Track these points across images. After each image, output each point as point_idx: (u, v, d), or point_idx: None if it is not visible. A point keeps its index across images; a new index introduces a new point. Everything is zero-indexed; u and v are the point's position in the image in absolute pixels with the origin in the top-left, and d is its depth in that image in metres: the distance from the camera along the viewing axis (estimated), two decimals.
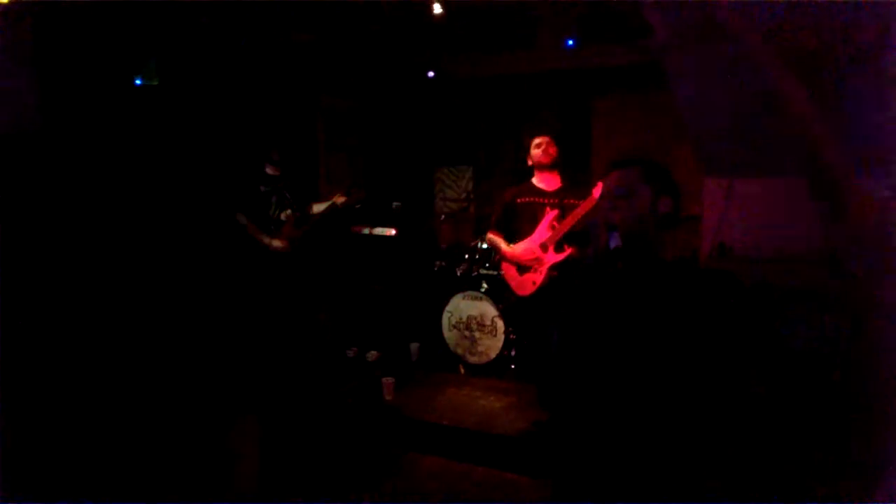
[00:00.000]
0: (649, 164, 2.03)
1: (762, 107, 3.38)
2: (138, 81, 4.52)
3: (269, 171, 5.09)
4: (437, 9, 4.76)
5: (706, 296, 1.99)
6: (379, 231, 6.42)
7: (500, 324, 5.61)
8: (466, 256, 6.04)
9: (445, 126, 8.01)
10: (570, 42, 4.47)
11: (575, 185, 4.42)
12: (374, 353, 6.12)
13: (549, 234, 4.19)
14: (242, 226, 4.97)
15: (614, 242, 1.92)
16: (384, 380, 5.12)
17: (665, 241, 2.01)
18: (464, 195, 7.56)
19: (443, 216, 6.53)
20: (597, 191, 3.95)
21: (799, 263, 3.52)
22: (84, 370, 4.39)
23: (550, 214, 4.22)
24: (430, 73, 7.69)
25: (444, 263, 6.19)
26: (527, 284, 4.29)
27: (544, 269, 4.18)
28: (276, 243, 5.01)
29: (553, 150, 4.36)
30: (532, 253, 4.24)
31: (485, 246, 5.98)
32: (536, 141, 4.43)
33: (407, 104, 7.62)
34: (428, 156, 7.93)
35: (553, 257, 4.18)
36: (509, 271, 4.47)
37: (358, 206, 5.37)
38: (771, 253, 3.63)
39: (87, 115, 4.36)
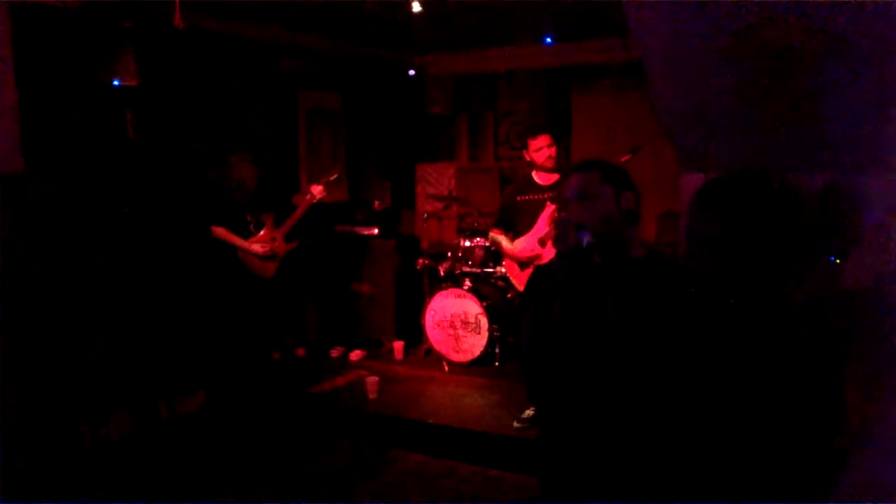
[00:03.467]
0: (605, 165, 2.08)
1: (737, 101, 3.41)
2: (116, 83, 4.48)
3: (246, 175, 5.05)
4: (416, 7, 4.75)
5: (673, 289, 2.01)
6: (362, 230, 6.42)
7: (483, 321, 5.62)
8: (449, 255, 6.04)
9: (426, 123, 8.01)
10: (549, 40, 4.48)
11: (569, 165, 4.47)
12: (357, 351, 6.12)
13: (548, 229, 4.23)
14: (221, 237, 4.94)
15: (586, 239, 1.97)
16: (368, 379, 5.13)
17: (633, 236, 2.06)
18: (446, 192, 7.56)
19: (426, 215, 6.53)
20: None
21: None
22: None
23: (549, 208, 4.24)
24: (411, 72, 7.70)
25: (427, 262, 6.19)
26: (526, 280, 4.32)
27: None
28: (256, 247, 4.99)
29: (554, 151, 4.37)
30: (531, 250, 4.32)
31: (468, 244, 5.99)
32: (536, 144, 4.37)
33: (388, 101, 7.61)
34: (409, 153, 7.93)
35: (552, 252, 4.19)
36: (511, 268, 4.55)
37: (333, 179, 5.31)
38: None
39: (68, 128, 4.34)
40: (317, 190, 5.18)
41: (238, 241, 4.99)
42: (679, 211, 5.11)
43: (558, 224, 2.08)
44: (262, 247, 5.01)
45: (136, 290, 4.82)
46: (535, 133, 4.42)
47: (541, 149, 4.36)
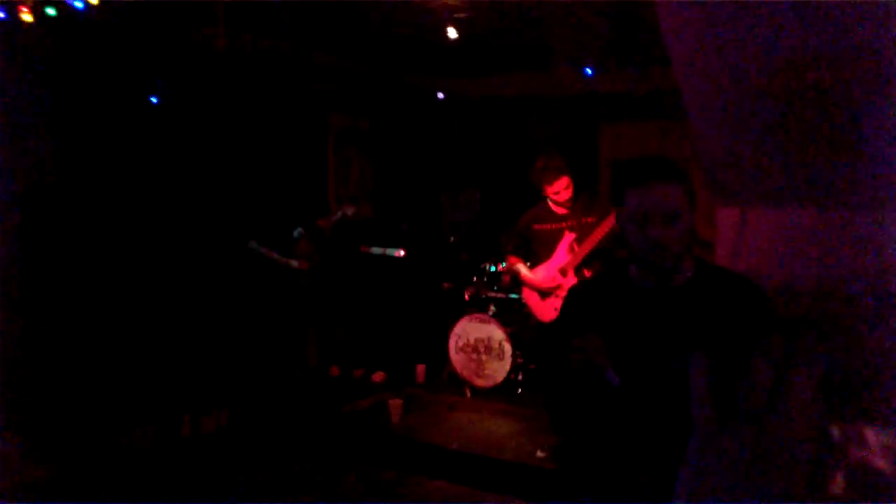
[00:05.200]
0: (685, 175, 1.90)
1: (774, 138, 3.40)
2: (154, 100, 4.55)
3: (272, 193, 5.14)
4: (452, 33, 4.79)
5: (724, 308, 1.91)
6: (388, 251, 6.44)
7: (507, 347, 5.60)
8: (475, 279, 6.04)
9: (454, 147, 8.04)
10: (589, 71, 4.48)
11: (589, 201, 4.39)
12: (380, 373, 6.12)
13: (569, 257, 4.19)
14: (256, 250, 5.01)
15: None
16: (391, 402, 5.11)
17: (685, 265, 1.94)
18: (471, 217, 7.57)
19: (452, 238, 6.54)
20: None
21: (806, 297, 3.52)
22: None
23: (569, 238, 4.21)
24: (440, 95, 7.74)
25: (452, 285, 6.18)
26: (549, 310, 4.29)
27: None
28: (295, 263, 5.05)
29: (570, 193, 4.27)
30: (553, 280, 4.24)
31: (493, 269, 5.98)
32: (554, 189, 4.26)
33: (416, 124, 7.66)
34: (436, 177, 7.96)
35: (574, 282, 4.16)
36: (531, 297, 4.47)
37: (365, 220, 5.41)
38: (780, 285, 3.64)
39: (104, 144, 4.42)
40: (350, 211, 5.27)
41: (275, 255, 5.05)
42: (709, 240, 5.09)
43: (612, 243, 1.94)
44: (300, 262, 5.08)
45: (166, 303, 4.87)
46: (553, 178, 4.26)
47: (559, 192, 4.25)
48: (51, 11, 3.50)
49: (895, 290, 3.08)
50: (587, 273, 4.14)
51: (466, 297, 6.00)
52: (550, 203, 4.41)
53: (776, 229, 3.91)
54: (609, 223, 4.02)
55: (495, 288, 5.96)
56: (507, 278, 5.89)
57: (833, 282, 3.60)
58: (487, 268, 6.06)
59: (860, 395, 2.81)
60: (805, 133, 3.24)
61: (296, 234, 5.19)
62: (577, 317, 2.08)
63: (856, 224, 3.35)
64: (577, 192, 4.37)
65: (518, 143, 7.75)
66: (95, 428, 4.36)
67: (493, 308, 5.84)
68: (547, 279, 4.29)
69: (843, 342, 3.27)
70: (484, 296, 5.95)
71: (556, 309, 4.23)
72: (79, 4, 3.40)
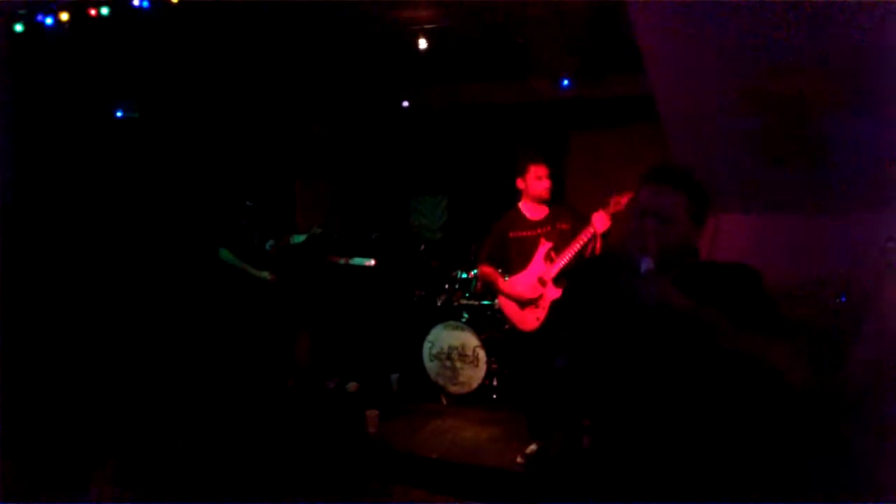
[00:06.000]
0: (693, 186, 1.94)
1: (749, 146, 3.50)
2: (119, 114, 4.47)
3: (248, 203, 5.10)
4: (423, 44, 4.81)
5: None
6: (358, 261, 6.41)
7: (481, 354, 5.63)
8: (447, 286, 6.05)
9: (420, 155, 8.04)
10: (566, 82, 4.52)
11: (561, 208, 4.39)
12: (353, 384, 6.08)
13: (546, 267, 4.19)
14: (229, 259, 4.96)
15: (646, 266, 1.84)
16: (367, 412, 5.09)
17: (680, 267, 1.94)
18: (438, 224, 7.59)
19: (423, 246, 6.54)
20: (597, 219, 3.99)
21: (784, 298, 3.61)
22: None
23: (545, 246, 4.22)
24: (405, 103, 7.74)
25: (423, 293, 6.19)
26: (529, 320, 4.27)
27: (547, 304, 4.19)
28: (266, 274, 5.00)
29: (549, 184, 4.27)
30: (533, 291, 4.20)
31: (464, 276, 6.01)
32: (538, 171, 4.25)
33: (382, 133, 7.65)
34: (403, 185, 7.95)
35: (554, 292, 4.16)
36: (509, 306, 4.40)
37: (335, 236, 5.40)
38: None
39: (67, 160, 4.34)
40: (317, 231, 5.25)
41: (248, 266, 5.00)
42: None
43: (624, 251, 1.92)
44: (272, 274, 5.03)
45: (133, 318, 4.78)
46: (537, 160, 4.27)
47: (541, 178, 4.23)
48: (18, 28, 3.41)
49: (868, 292, 3.21)
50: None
51: (439, 304, 6.01)
52: (523, 206, 4.38)
53: (749, 234, 4.02)
54: (588, 233, 4.05)
55: (467, 295, 5.98)
56: (478, 285, 5.92)
57: (805, 285, 3.73)
58: (458, 275, 6.07)
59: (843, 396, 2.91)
60: (778, 142, 3.35)
61: (267, 246, 5.14)
62: (582, 291, 2.13)
63: (827, 229, 3.47)
64: (552, 195, 4.37)
65: (485, 151, 7.80)
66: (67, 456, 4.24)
67: (466, 315, 5.86)
68: (527, 289, 4.25)
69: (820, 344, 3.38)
70: (456, 303, 5.97)
71: (537, 319, 4.23)
72: (48, 21, 3.32)
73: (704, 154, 3.72)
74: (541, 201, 4.33)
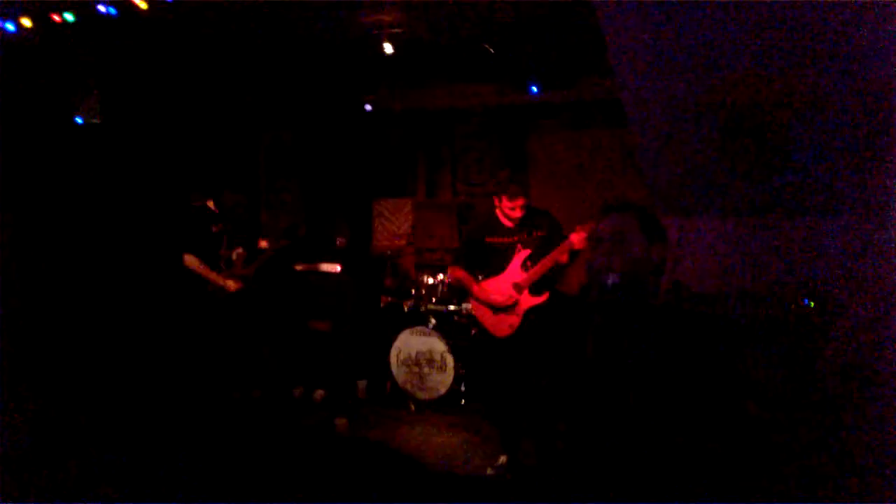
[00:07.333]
0: (642, 210, 2.07)
1: (712, 153, 3.57)
2: (79, 120, 4.36)
3: (212, 208, 5.02)
4: (388, 48, 4.79)
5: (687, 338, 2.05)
6: (324, 268, 6.35)
7: (449, 359, 5.62)
8: (413, 292, 6.04)
9: (384, 158, 8.02)
10: (534, 88, 4.55)
11: (535, 214, 4.33)
12: (320, 391, 6.02)
13: (523, 275, 4.17)
14: (192, 267, 4.87)
15: (612, 280, 1.94)
16: (337, 420, 5.06)
17: (657, 285, 2.04)
18: (403, 227, 7.58)
19: (388, 252, 6.52)
20: (576, 237, 4.00)
21: (748, 298, 3.70)
22: None
23: (522, 254, 4.19)
24: (368, 107, 7.71)
25: (391, 299, 6.16)
26: (503, 326, 4.25)
27: (521, 311, 4.20)
28: (230, 283, 4.92)
29: (522, 213, 4.20)
30: (507, 297, 4.19)
31: (431, 281, 6.00)
32: (513, 203, 4.18)
33: (345, 137, 7.61)
34: (367, 188, 7.92)
35: (530, 300, 4.17)
36: (481, 311, 4.36)
37: (299, 238, 5.35)
38: (722, 289, 3.81)
39: (28, 162, 4.22)
40: (282, 243, 5.19)
41: (213, 274, 4.91)
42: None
43: (591, 269, 2.04)
44: (236, 283, 4.95)
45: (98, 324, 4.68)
46: (517, 194, 4.19)
47: (514, 209, 4.20)
48: None
49: (835, 297, 3.30)
50: (545, 293, 4.18)
51: (406, 309, 5.99)
52: (500, 215, 4.33)
53: (712, 238, 4.11)
54: (566, 246, 4.06)
55: (434, 300, 5.97)
56: (445, 289, 5.91)
57: (768, 287, 3.82)
58: (426, 280, 6.06)
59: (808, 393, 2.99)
60: (742, 147, 3.43)
61: (234, 255, 5.07)
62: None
63: (790, 232, 3.56)
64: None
65: (449, 155, 7.82)
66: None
67: (433, 320, 5.85)
68: (502, 294, 4.23)
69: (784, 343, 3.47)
70: (424, 308, 5.95)
71: (511, 326, 4.21)
72: (10, 27, 3.21)
73: (670, 159, 3.79)
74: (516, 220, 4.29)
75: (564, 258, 4.15)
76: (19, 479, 3.53)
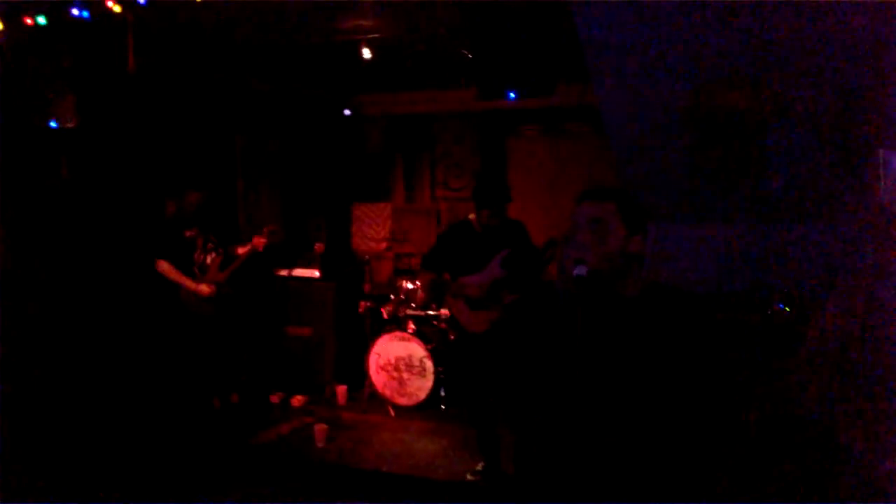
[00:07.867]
0: (623, 198, 1.99)
1: (689, 158, 3.60)
2: (53, 124, 4.30)
3: (189, 212, 4.98)
4: (367, 54, 4.78)
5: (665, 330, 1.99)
6: (302, 273, 6.32)
7: (428, 364, 5.61)
8: (392, 297, 6.02)
9: (363, 163, 8.01)
10: (512, 95, 4.56)
11: (512, 225, 4.36)
12: (299, 397, 5.98)
13: (503, 274, 4.16)
14: (165, 273, 4.84)
15: (578, 272, 1.87)
16: (316, 426, 5.02)
17: (631, 277, 1.98)
18: (382, 232, 7.56)
19: (367, 257, 6.49)
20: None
21: (719, 299, 3.73)
22: None
23: (502, 253, 4.20)
24: (347, 112, 7.70)
25: (370, 304, 6.13)
26: (480, 321, 4.25)
27: (500, 307, 4.21)
28: (203, 288, 4.89)
29: (497, 222, 4.26)
30: (487, 292, 4.18)
31: (410, 286, 5.98)
32: (491, 220, 4.26)
33: (324, 142, 7.58)
34: (346, 193, 7.90)
35: (509, 295, 4.19)
36: (458, 308, 4.36)
37: (277, 243, 5.31)
38: (693, 293, 3.83)
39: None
40: (259, 242, 5.12)
41: (186, 280, 4.87)
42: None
43: (560, 259, 1.99)
44: (209, 288, 4.91)
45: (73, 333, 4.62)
46: (493, 213, 4.25)
47: (492, 219, 4.25)
48: None
49: (809, 303, 3.33)
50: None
51: (385, 315, 5.97)
52: (475, 221, 4.37)
53: (690, 242, 4.14)
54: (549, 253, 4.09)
55: (413, 305, 5.96)
56: (422, 294, 5.89)
57: (742, 292, 3.85)
58: (404, 285, 6.04)
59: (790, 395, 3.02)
60: (719, 153, 3.46)
61: (209, 260, 5.03)
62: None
63: (765, 237, 3.60)
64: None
65: (428, 159, 7.83)
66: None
67: (412, 325, 5.84)
68: (480, 289, 4.22)
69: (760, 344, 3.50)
70: (402, 313, 5.93)
71: (489, 320, 4.22)
72: None
73: (646, 164, 3.81)
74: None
75: (549, 252, 4.13)
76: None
